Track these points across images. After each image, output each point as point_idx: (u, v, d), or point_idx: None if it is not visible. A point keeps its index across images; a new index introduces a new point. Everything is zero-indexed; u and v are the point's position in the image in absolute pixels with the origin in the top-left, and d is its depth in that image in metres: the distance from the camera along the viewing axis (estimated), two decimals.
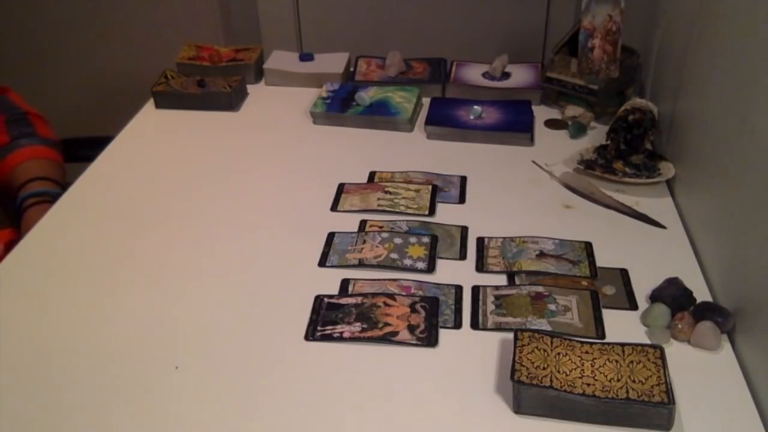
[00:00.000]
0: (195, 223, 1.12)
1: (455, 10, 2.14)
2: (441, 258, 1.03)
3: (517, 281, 0.99)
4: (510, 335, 0.86)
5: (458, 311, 0.93)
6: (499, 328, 0.90)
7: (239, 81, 1.50)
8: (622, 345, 0.83)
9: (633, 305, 0.94)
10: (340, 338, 0.89)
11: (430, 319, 0.91)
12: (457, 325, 0.91)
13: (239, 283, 0.99)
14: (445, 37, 2.14)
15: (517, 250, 1.04)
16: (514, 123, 1.35)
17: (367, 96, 1.42)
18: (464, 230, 1.09)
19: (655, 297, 0.93)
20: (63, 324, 0.93)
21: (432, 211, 1.14)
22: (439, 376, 0.84)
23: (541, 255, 1.02)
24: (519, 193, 1.19)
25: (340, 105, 1.42)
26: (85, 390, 0.83)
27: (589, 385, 0.79)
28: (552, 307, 0.93)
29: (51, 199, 1.33)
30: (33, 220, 1.21)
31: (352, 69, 1.59)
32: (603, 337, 0.89)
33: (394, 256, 1.03)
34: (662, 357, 0.81)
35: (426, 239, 1.06)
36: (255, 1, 2.21)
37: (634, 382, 0.78)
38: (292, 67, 1.57)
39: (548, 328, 0.89)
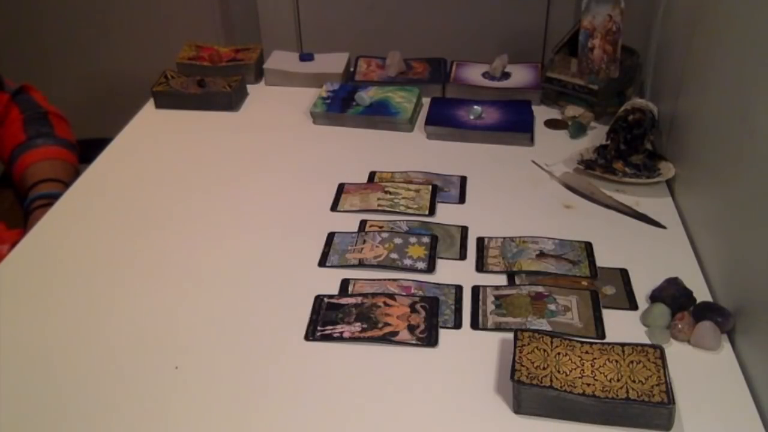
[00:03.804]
0: (195, 222, 1.12)
1: (455, 10, 2.14)
2: (441, 258, 1.03)
3: (517, 281, 0.99)
4: (510, 335, 0.86)
5: (458, 311, 0.93)
6: (499, 328, 0.90)
7: (239, 81, 1.50)
8: (622, 345, 0.83)
9: (633, 305, 0.94)
10: (340, 338, 0.89)
11: (430, 319, 0.91)
12: (457, 325, 0.91)
13: (239, 283, 0.99)
14: (445, 37, 2.14)
15: (517, 250, 1.04)
16: (514, 123, 1.35)
17: (367, 96, 1.42)
18: (464, 230, 1.09)
19: (655, 297, 0.93)
20: (63, 324, 0.93)
21: (432, 211, 1.14)
22: (439, 376, 0.84)
23: (541, 255, 1.02)
24: (519, 193, 1.19)
25: (340, 105, 1.42)
26: (85, 390, 0.83)
27: (589, 385, 0.79)
28: (552, 307, 0.93)
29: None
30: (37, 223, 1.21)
31: (352, 69, 1.59)
32: (603, 337, 0.89)
33: (394, 256, 1.03)
34: (662, 357, 0.81)
35: (426, 239, 1.06)
36: (255, 1, 2.21)
37: (634, 382, 0.78)
38: (292, 67, 1.57)
39: (548, 328, 0.89)
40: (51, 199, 1.36)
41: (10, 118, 1.48)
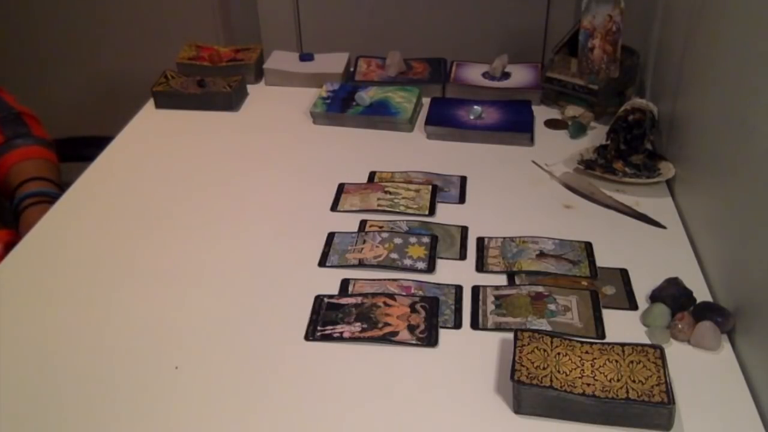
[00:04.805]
0: (195, 223, 1.12)
1: (455, 10, 2.14)
2: (441, 258, 1.03)
3: (517, 281, 0.99)
4: (510, 335, 0.86)
5: (458, 311, 0.93)
6: (499, 328, 0.90)
7: (239, 81, 1.50)
8: (622, 345, 0.83)
9: (633, 305, 0.94)
10: (340, 338, 0.89)
11: (430, 319, 0.91)
12: (457, 325, 0.91)
13: (239, 282, 0.99)
14: (445, 37, 2.14)
15: (517, 250, 1.04)
16: (514, 123, 1.35)
17: (367, 96, 1.42)
18: (464, 230, 1.09)
19: (655, 297, 0.93)
20: (63, 324, 0.93)
21: (432, 211, 1.14)
22: (439, 376, 0.84)
23: (541, 255, 1.02)
24: (519, 193, 1.19)
25: (340, 105, 1.42)
26: (85, 390, 0.83)
27: (589, 385, 0.79)
28: (552, 307, 0.93)
29: (49, 199, 1.33)
30: (31, 221, 1.21)
31: (352, 69, 1.59)
32: (603, 337, 0.89)
33: (394, 256, 1.03)
34: (662, 357, 0.81)
35: (426, 239, 1.06)
36: (255, 1, 2.21)
37: (634, 382, 0.78)
38: (292, 67, 1.57)
39: (548, 328, 0.89)
40: (40, 197, 1.36)
41: None
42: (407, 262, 1.02)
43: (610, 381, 0.79)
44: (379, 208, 1.14)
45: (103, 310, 0.95)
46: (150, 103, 1.49)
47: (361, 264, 1.02)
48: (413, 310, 0.93)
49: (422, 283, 0.98)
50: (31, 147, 1.45)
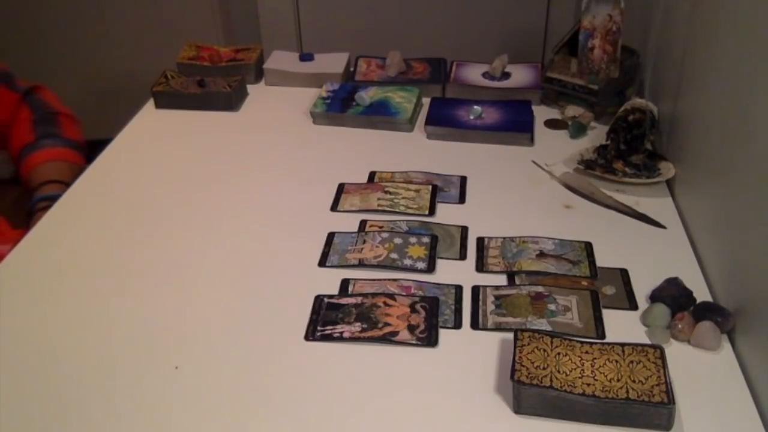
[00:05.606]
0: (195, 223, 1.12)
1: (455, 10, 2.14)
2: (441, 258, 1.03)
3: (517, 281, 0.99)
4: (510, 335, 0.86)
5: (458, 311, 0.93)
6: (499, 328, 0.90)
7: (239, 81, 1.50)
8: (622, 345, 0.83)
9: (633, 305, 0.94)
10: (340, 338, 0.89)
11: (430, 319, 0.91)
12: (457, 325, 0.91)
13: (239, 283, 0.99)
14: (445, 37, 2.14)
15: (517, 250, 1.04)
16: (514, 123, 1.35)
17: (367, 96, 1.42)
18: (464, 230, 1.09)
19: (655, 297, 0.93)
20: (63, 324, 0.93)
21: (432, 211, 1.14)
22: (439, 376, 0.84)
23: (541, 255, 1.02)
24: (519, 193, 1.19)
25: (340, 105, 1.42)
26: (85, 389, 0.83)
27: (589, 385, 0.79)
28: (552, 307, 0.93)
29: None
30: None
31: (352, 69, 1.60)
32: (603, 337, 0.89)
33: (394, 256, 1.03)
34: (662, 357, 0.81)
35: (426, 239, 1.06)
36: (255, 1, 2.21)
37: (634, 382, 0.78)
38: (292, 67, 1.57)
39: (548, 328, 0.89)
40: (54, 201, 1.36)
41: (20, 118, 1.49)
42: (407, 262, 1.02)
43: (610, 381, 0.79)
44: (379, 208, 1.14)
45: (102, 310, 0.95)
46: (150, 103, 1.49)
47: (361, 264, 1.02)
48: (413, 310, 0.93)
49: (422, 283, 0.98)
50: (57, 148, 1.46)
